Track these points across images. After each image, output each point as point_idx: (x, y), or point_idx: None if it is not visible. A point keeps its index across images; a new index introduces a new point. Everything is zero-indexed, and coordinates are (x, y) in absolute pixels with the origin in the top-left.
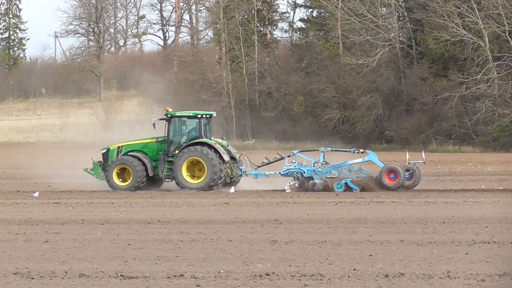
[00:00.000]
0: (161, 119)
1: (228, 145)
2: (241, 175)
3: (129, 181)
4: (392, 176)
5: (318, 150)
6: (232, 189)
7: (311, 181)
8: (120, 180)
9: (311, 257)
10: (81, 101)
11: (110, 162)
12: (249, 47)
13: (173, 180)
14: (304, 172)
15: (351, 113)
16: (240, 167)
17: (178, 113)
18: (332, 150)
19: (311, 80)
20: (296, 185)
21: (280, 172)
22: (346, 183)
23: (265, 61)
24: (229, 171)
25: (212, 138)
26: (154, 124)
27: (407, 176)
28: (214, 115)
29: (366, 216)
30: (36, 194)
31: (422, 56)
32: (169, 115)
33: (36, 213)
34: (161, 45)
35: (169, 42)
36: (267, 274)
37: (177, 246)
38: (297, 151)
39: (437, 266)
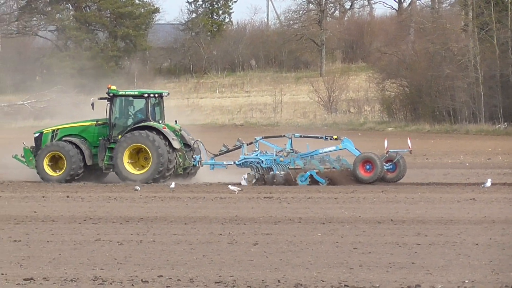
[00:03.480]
0: (101, 99)
1: (181, 130)
2: (195, 165)
3: (63, 170)
4: (368, 167)
5: (284, 136)
6: (172, 184)
7: (270, 173)
8: (54, 169)
9: None
10: (299, 76)
11: (42, 149)
12: (501, 11)
13: (114, 170)
14: (263, 162)
15: None
16: (195, 156)
17: (121, 92)
18: (300, 136)
19: None
20: (255, 177)
21: (234, 162)
22: (311, 175)
23: None
24: (180, 160)
25: (161, 122)
26: (92, 105)
27: (389, 167)
28: (165, 94)
29: None
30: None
31: None
32: (111, 94)
33: (244, 210)
34: (395, 9)
35: (405, 5)
36: None
37: (413, 250)
38: (260, 137)
39: None
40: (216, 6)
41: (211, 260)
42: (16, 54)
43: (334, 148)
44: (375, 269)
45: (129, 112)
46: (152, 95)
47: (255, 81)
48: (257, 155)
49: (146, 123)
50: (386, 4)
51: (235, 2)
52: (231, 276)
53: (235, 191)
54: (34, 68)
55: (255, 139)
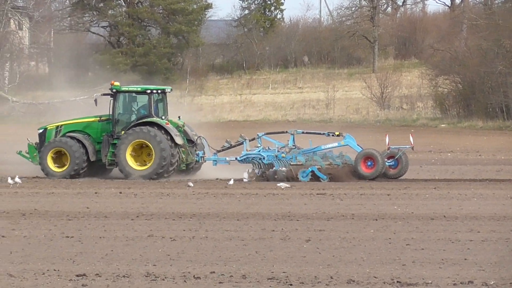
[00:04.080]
0: (104, 95)
1: (184, 126)
2: (198, 161)
3: (66, 166)
4: (369, 163)
5: (287, 132)
6: (231, 181)
7: (272, 169)
8: (57, 165)
9: None
10: (351, 72)
11: (45, 145)
12: None
13: (117, 166)
14: (264, 158)
15: None
16: (198, 152)
17: (124, 88)
18: (303, 133)
19: None
20: (257, 173)
21: (236, 158)
22: (313, 171)
23: None
24: (183, 156)
25: (164, 118)
26: (95, 101)
27: (391, 163)
28: (169, 90)
29: None
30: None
31: None
32: (114, 90)
33: (296, 206)
34: (447, 5)
35: (457, 1)
36: None
37: (466, 246)
38: (262, 133)
39: None
40: (269, 2)
41: (264, 256)
42: (69, 50)
43: (336, 144)
44: (428, 265)
45: (133, 108)
46: (155, 91)
47: (308, 77)
48: (259, 151)
49: (149, 119)
50: (439, 0)
51: None
52: (283, 272)
53: (283, 188)
54: (87, 64)
55: (257, 135)
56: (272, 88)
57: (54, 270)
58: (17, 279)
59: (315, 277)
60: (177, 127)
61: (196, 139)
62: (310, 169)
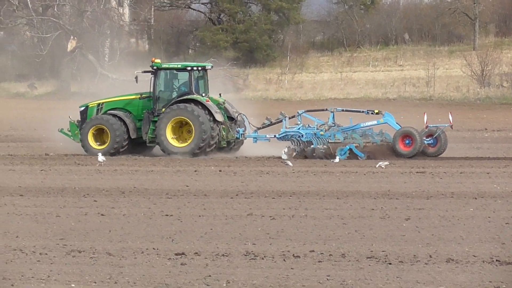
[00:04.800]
0: (145, 72)
1: (224, 103)
2: (238, 138)
3: (107, 143)
4: (407, 141)
5: (327, 110)
6: (337, 159)
7: (310, 147)
8: (99, 143)
9: None
10: (452, 50)
11: (86, 122)
12: None
13: (158, 144)
14: (303, 135)
15: None
16: (238, 129)
17: (165, 65)
18: (343, 110)
19: None
20: (295, 151)
21: (275, 135)
22: (350, 149)
23: None
24: (223, 133)
25: (205, 95)
26: (136, 78)
27: (430, 141)
28: (209, 67)
29: None
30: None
31: None
32: (155, 67)
33: (396, 185)
34: None
35: None
36: None
37: None
38: (303, 111)
39: None
40: None
41: (363, 235)
42: (169, 27)
43: (375, 122)
44: None
45: (173, 86)
46: (195, 68)
47: (408, 55)
48: (298, 128)
49: (189, 96)
50: None
51: None
52: (383, 251)
53: (382, 166)
54: (187, 41)
55: (297, 112)
56: (373, 65)
57: (153, 248)
58: (116, 257)
59: (414, 256)
60: (218, 104)
61: (237, 116)
62: (348, 147)
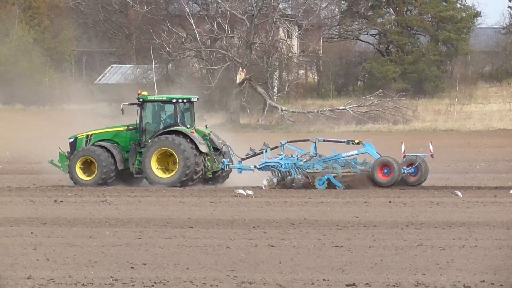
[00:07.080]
0: (132, 104)
1: (210, 134)
2: (223, 169)
3: (94, 174)
4: (386, 171)
5: (309, 140)
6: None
7: (289, 177)
8: (87, 174)
9: None
10: None
11: (74, 154)
12: None
13: (143, 174)
14: (282, 165)
15: None
16: (223, 160)
17: (151, 97)
18: (324, 141)
19: None
20: (274, 181)
21: (255, 166)
22: (329, 179)
23: None
24: (208, 164)
25: (190, 126)
26: (122, 110)
27: (411, 171)
28: (195, 99)
29: None
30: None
31: None
32: (141, 99)
33: None
34: None
35: None
36: None
37: None
38: (285, 141)
39: None
40: None
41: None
42: (338, 59)
43: (356, 152)
44: None
45: (160, 117)
46: (180, 101)
47: None
48: (281, 159)
49: (174, 128)
50: None
51: None
52: None
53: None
54: (356, 73)
55: (280, 143)
56: None
57: (324, 280)
58: None
59: None
60: (203, 135)
61: (222, 147)
62: (326, 177)
